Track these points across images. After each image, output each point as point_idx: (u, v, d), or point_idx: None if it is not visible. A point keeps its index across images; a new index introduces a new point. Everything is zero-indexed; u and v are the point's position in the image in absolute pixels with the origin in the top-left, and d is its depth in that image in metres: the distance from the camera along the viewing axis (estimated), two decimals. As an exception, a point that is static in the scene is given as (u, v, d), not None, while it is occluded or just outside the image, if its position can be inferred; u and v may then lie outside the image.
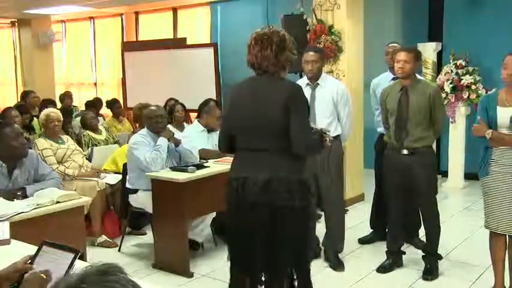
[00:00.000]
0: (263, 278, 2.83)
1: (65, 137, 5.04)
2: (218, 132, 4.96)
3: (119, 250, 4.63)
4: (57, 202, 3.16)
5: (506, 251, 3.49)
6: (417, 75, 4.04)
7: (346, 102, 4.14)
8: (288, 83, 2.75)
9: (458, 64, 6.53)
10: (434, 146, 4.21)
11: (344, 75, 5.70)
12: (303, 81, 4.17)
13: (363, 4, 6.04)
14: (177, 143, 4.44)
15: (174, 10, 9.80)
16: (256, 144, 2.72)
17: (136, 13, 10.40)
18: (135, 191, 4.42)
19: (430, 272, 3.92)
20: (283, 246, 2.71)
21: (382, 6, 7.10)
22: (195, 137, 4.69)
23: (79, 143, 5.55)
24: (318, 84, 4.10)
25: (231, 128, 2.86)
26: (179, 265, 4.06)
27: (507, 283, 3.53)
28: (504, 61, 3.31)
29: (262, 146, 2.70)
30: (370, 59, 6.27)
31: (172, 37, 9.68)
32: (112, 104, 7.48)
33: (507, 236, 3.44)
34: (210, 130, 4.92)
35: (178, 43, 8.96)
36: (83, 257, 2.20)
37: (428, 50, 6.80)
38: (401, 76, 3.85)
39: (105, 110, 8.09)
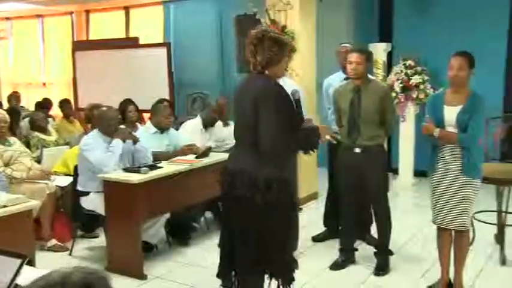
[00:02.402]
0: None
1: (12, 139, 4.87)
2: (171, 132, 4.98)
3: (70, 254, 4.51)
4: (4, 206, 3.05)
5: (452, 245, 3.61)
6: (369, 75, 4.12)
7: (301, 102, 4.17)
8: (262, 81, 2.72)
9: (407, 64, 6.72)
10: (385, 145, 4.30)
11: (297, 75, 5.75)
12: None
13: (315, 5, 6.12)
14: (136, 140, 4.39)
15: (126, 9, 9.65)
16: (237, 138, 2.87)
17: (87, 12, 10.17)
18: (86, 193, 4.33)
19: (382, 268, 4.01)
20: (245, 242, 2.72)
21: (334, 7, 7.21)
22: (147, 140, 4.63)
23: (27, 144, 5.39)
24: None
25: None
26: (132, 267, 3.99)
27: (453, 276, 3.66)
28: (450, 62, 3.43)
29: (240, 140, 2.83)
30: (323, 58, 6.36)
31: (124, 36, 9.53)
32: (63, 104, 7.31)
33: (453, 230, 3.56)
34: (162, 130, 4.87)
35: (131, 43, 8.82)
36: (31, 263, 2.14)
37: (379, 51, 6.96)
38: (354, 77, 3.93)
39: (55, 111, 7.88)
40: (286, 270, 2.83)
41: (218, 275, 2.98)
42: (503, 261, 4.17)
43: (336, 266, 4.13)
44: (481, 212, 4.57)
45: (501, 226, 4.37)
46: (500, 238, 4.33)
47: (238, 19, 6.06)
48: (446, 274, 3.67)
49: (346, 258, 4.16)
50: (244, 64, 5.83)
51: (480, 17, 6.67)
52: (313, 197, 6.15)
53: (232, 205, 2.79)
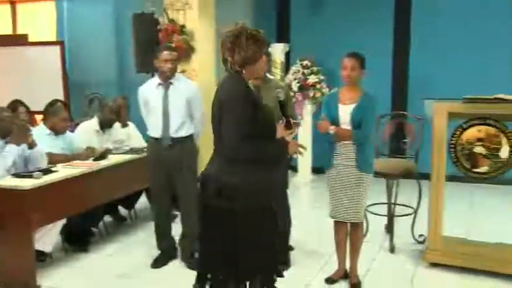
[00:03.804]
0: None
1: None
2: (66, 135, 4.76)
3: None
4: None
5: (348, 238, 3.80)
6: (267, 74, 4.21)
7: (199, 102, 4.18)
8: (230, 83, 2.59)
9: (304, 64, 6.95)
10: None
11: (197, 75, 5.74)
12: (154, 81, 4.13)
13: (214, 5, 6.14)
14: (33, 145, 4.15)
15: (12, 4, 9.06)
16: (214, 142, 2.68)
17: (-31, 6, 9.45)
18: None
19: (284, 263, 4.11)
20: (213, 246, 2.60)
21: (233, 7, 7.28)
22: (41, 142, 4.39)
23: None
24: (171, 84, 4.08)
25: None
26: (24, 279, 3.77)
27: (349, 266, 3.85)
28: (342, 62, 3.59)
29: (214, 145, 2.66)
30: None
31: (11, 33, 8.96)
32: None
33: (348, 223, 3.74)
34: (57, 133, 4.64)
35: (19, 40, 8.33)
36: None
37: (277, 51, 7.13)
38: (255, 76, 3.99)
39: None
40: (249, 277, 2.64)
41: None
42: (392, 250, 4.45)
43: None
44: (373, 204, 4.84)
45: (391, 217, 4.67)
46: (389, 228, 4.61)
47: (135, 18, 5.92)
48: (343, 265, 3.86)
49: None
50: (141, 63, 5.73)
51: (367, 17, 7.08)
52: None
53: (202, 210, 2.64)
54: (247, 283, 2.61)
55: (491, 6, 6.62)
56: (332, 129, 3.55)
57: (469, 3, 6.76)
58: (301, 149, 2.69)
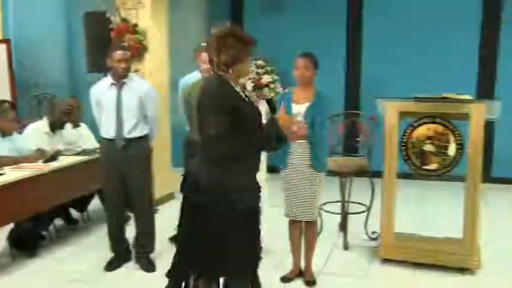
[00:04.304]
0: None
1: None
2: (14, 137, 4.61)
3: None
4: None
5: (302, 236, 3.84)
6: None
7: (153, 102, 4.14)
8: (211, 84, 2.59)
9: (258, 64, 6.97)
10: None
11: (150, 75, 5.67)
12: (107, 81, 4.05)
13: (166, 4, 6.07)
14: None
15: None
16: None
17: None
18: None
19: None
20: (193, 244, 2.61)
21: (186, 6, 7.22)
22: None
23: None
24: (125, 83, 4.01)
25: None
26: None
27: (304, 264, 3.88)
28: (296, 62, 3.63)
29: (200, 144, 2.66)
30: (177, 58, 6.33)
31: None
32: None
33: (303, 222, 3.78)
34: (3, 134, 4.48)
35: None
36: None
37: (231, 50, 7.11)
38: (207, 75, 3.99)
39: None
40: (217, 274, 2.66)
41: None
42: (346, 247, 4.53)
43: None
44: (327, 203, 4.90)
45: (344, 215, 4.74)
46: (343, 226, 4.69)
47: (86, 16, 5.78)
48: (298, 263, 3.89)
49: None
50: (93, 63, 5.60)
51: (321, 18, 7.18)
52: (169, 197, 6.11)
53: (183, 206, 2.70)
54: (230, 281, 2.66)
55: (442, 6, 6.82)
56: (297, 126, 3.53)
57: (420, 4, 6.95)
58: (296, 124, 2.66)
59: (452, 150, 3.96)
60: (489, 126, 5.19)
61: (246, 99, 2.66)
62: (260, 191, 2.67)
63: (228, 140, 2.47)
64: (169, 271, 2.73)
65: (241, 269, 2.62)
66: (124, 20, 5.66)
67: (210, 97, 2.52)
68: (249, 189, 2.60)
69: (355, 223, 4.78)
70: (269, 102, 2.69)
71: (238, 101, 2.56)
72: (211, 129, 2.46)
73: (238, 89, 2.63)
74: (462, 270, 3.98)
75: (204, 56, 3.94)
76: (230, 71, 2.56)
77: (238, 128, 2.48)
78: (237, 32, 2.60)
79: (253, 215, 2.64)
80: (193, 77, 4.71)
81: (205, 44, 4.82)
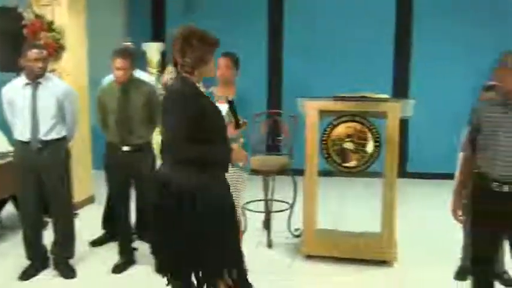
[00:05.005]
0: None
1: None
2: None
3: None
4: None
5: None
6: (135, 74, 4.14)
7: (71, 102, 4.00)
8: (175, 86, 2.57)
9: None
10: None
11: (68, 74, 5.46)
12: (21, 81, 3.86)
13: (84, 1, 5.87)
14: None
15: None
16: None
17: None
18: None
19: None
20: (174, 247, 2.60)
21: (105, 4, 7.03)
22: None
23: None
24: (40, 83, 3.84)
25: None
26: None
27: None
28: (217, 61, 3.63)
29: (166, 145, 2.66)
30: (96, 57, 6.14)
31: None
32: None
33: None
34: None
35: None
36: None
37: (153, 50, 7.00)
38: (120, 81, 3.94)
39: None
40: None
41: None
42: (270, 245, 4.59)
43: (117, 268, 4.08)
44: (250, 202, 4.94)
45: (268, 213, 4.80)
46: (267, 224, 4.75)
47: (-4, 12, 5.47)
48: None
49: (126, 260, 4.13)
50: (4, 62, 5.31)
51: (242, 18, 7.25)
52: (90, 200, 5.93)
53: (159, 212, 2.62)
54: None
55: (363, 7, 7.07)
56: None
57: (341, 4, 7.15)
58: (244, 157, 2.70)
59: (370, 147, 4.12)
60: (404, 123, 5.45)
61: (210, 99, 2.70)
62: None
63: (198, 144, 2.48)
64: (160, 268, 2.71)
65: (222, 267, 2.68)
66: (38, 16, 5.42)
67: (180, 100, 2.51)
68: (227, 187, 2.64)
69: (278, 221, 4.85)
70: (231, 103, 2.82)
71: (204, 102, 2.58)
72: (179, 131, 2.45)
73: (202, 89, 2.64)
74: (381, 263, 4.15)
75: (117, 61, 3.87)
76: (195, 72, 2.58)
77: (205, 128, 2.50)
78: (201, 32, 2.63)
79: (234, 211, 2.68)
80: (110, 78, 4.61)
81: (130, 44, 4.75)
